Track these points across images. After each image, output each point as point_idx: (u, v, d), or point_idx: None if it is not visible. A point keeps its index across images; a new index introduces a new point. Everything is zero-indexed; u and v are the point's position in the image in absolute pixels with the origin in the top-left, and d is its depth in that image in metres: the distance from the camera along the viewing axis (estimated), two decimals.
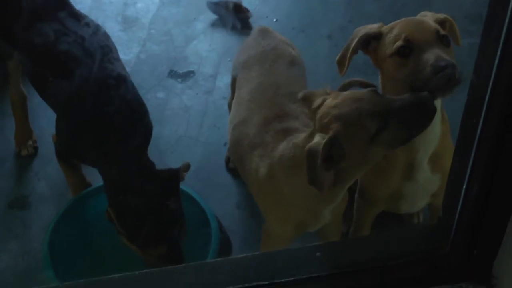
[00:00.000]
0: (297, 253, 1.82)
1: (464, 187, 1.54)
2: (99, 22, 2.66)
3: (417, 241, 1.73)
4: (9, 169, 3.03)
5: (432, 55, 1.83)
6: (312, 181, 1.83)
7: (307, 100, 1.97)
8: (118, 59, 2.52)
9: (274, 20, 3.73)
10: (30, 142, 3.06)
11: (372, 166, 1.95)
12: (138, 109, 2.44)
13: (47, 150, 2.99)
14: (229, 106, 2.67)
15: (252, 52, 2.48)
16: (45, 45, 2.43)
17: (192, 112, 3.26)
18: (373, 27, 2.02)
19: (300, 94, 2.01)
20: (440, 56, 1.82)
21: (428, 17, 1.99)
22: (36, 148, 3.07)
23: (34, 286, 2.49)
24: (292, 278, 1.62)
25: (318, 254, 1.69)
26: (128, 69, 2.54)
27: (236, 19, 3.68)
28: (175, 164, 2.42)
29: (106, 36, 2.57)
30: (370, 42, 2.00)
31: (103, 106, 2.34)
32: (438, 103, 1.91)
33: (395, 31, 1.94)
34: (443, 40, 1.91)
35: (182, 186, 2.37)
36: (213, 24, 3.75)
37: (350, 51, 2.00)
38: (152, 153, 2.44)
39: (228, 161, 2.95)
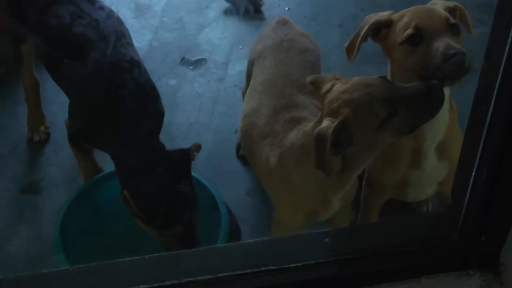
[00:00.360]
0: (306, 238, 1.82)
1: (473, 174, 1.54)
2: (112, 8, 2.67)
3: (425, 228, 1.73)
4: (22, 155, 3.04)
5: (442, 43, 1.84)
6: (319, 166, 1.84)
7: (315, 85, 1.97)
8: (131, 44, 2.53)
9: (286, 8, 3.74)
10: (42, 128, 3.07)
11: (378, 153, 1.96)
12: (151, 93, 2.45)
13: (59, 135, 3.01)
14: (243, 94, 2.68)
15: (269, 42, 2.48)
16: (60, 27, 2.44)
17: (203, 99, 3.27)
18: (383, 14, 2.02)
19: (309, 79, 2.01)
20: (450, 44, 1.82)
21: (439, 5, 1.99)
22: (48, 134, 3.09)
23: (45, 270, 2.51)
24: (300, 264, 1.62)
25: (326, 240, 1.69)
26: (140, 56, 2.55)
27: (243, 2, 3.67)
28: None
29: (119, 21, 2.58)
30: (381, 30, 2.00)
31: (116, 89, 2.35)
32: (446, 91, 1.91)
33: (405, 19, 1.94)
34: (453, 29, 1.91)
35: (192, 172, 2.38)
36: (225, 12, 3.75)
37: (360, 38, 2.00)
38: (164, 139, 2.45)
39: (238, 148, 2.96)
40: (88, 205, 2.57)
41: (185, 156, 2.32)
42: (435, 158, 2.11)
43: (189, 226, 2.30)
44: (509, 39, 1.32)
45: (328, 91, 1.90)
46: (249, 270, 1.61)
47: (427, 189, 2.27)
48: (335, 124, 1.79)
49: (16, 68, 3.01)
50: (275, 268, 1.61)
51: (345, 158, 1.90)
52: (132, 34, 2.69)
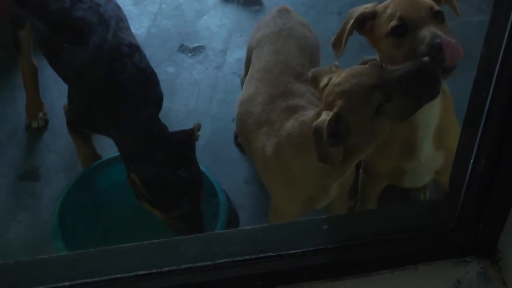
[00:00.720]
0: (305, 225, 1.83)
1: (472, 161, 1.54)
2: None
3: (423, 216, 1.74)
4: (20, 141, 3.05)
5: (427, 32, 1.82)
6: (322, 159, 1.84)
7: (315, 79, 1.97)
8: (129, 28, 2.54)
9: None
10: (40, 115, 3.07)
11: (382, 140, 1.95)
12: (151, 77, 2.47)
13: (58, 122, 3.01)
14: (242, 82, 2.67)
15: (267, 30, 2.47)
16: (61, 12, 2.44)
17: (202, 86, 3.27)
18: (367, 7, 2.00)
19: (309, 74, 2.01)
20: (435, 33, 1.81)
21: None
22: (46, 121, 3.09)
23: (43, 256, 2.52)
24: (299, 250, 1.63)
25: (325, 226, 1.70)
26: (139, 43, 2.55)
27: None
28: None
29: (117, 6, 2.58)
30: (366, 22, 1.99)
31: (117, 74, 2.36)
32: None
33: (389, 10, 1.93)
34: (437, 16, 1.89)
35: None
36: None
37: (346, 32, 1.99)
38: None
39: (236, 136, 2.96)
40: (87, 192, 2.58)
41: (189, 137, 2.33)
42: (432, 148, 2.10)
43: (196, 207, 2.31)
44: (509, 26, 1.32)
45: (326, 85, 1.90)
46: (247, 257, 1.62)
47: (423, 177, 2.27)
48: (330, 117, 1.79)
49: (14, 54, 3.01)
50: (274, 254, 1.62)
51: (346, 148, 1.90)
52: (130, 21, 2.69)
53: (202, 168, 2.48)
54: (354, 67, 1.90)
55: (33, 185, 2.86)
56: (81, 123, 2.60)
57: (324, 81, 1.92)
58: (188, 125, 2.96)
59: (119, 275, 1.60)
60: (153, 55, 3.30)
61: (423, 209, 1.86)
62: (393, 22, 1.89)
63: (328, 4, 3.64)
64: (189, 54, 3.43)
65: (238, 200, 2.72)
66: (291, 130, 2.07)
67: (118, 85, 2.36)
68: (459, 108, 2.18)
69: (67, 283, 1.58)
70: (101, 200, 2.61)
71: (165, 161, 2.29)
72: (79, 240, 2.40)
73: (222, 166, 2.88)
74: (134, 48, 2.43)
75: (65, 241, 2.32)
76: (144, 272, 1.59)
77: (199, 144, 2.41)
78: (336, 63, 1.99)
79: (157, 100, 2.47)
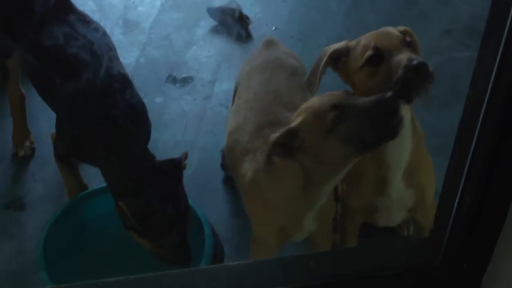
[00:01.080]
0: (290, 261, 1.83)
1: (457, 200, 1.56)
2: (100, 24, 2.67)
3: (409, 254, 1.75)
4: (6, 170, 3.03)
5: (403, 56, 1.84)
6: (265, 163, 1.96)
7: None
8: (118, 58, 2.57)
9: (273, 28, 3.75)
10: (27, 143, 3.07)
11: (338, 172, 1.96)
12: (141, 112, 2.49)
13: (44, 151, 3.00)
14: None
15: (255, 63, 2.50)
16: (55, 48, 2.45)
17: (189, 117, 3.27)
18: (339, 44, 2.02)
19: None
20: (411, 56, 1.83)
21: (391, 28, 2.01)
22: (33, 149, 3.08)
23: (27, 287, 2.50)
24: (285, 287, 1.63)
25: (311, 264, 1.70)
26: (127, 73, 2.56)
27: (236, 26, 3.70)
28: None
29: (107, 36, 2.60)
30: (340, 59, 2.00)
31: (108, 110, 2.37)
32: (407, 115, 1.90)
33: (362, 43, 1.95)
34: (410, 46, 1.92)
35: None
36: (213, 30, 3.76)
37: (320, 69, 2.00)
38: None
39: (223, 165, 2.97)
40: (73, 222, 2.56)
41: (177, 166, 2.34)
42: (403, 186, 2.10)
43: (183, 235, 2.31)
44: (495, 68, 1.34)
45: None
46: None
47: (395, 216, 2.26)
48: (284, 129, 1.90)
49: (2, 82, 3.01)
50: None
51: (306, 172, 1.95)
52: (119, 50, 2.69)
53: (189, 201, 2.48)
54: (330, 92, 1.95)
55: (18, 214, 2.84)
56: (68, 152, 2.60)
57: None
58: (175, 156, 2.98)
59: None
60: (142, 85, 3.30)
61: (408, 247, 1.87)
62: (368, 52, 1.90)
63: (316, 37, 3.67)
64: (177, 85, 3.44)
65: (224, 232, 2.71)
66: None
67: (109, 120, 2.37)
68: (445, 143, 2.20)
69: None
70: (87, 231, 2.60)
71: (153, 189, 2.29)
72: (64, 271, 2.38)
73: (208, 197, 2.88)
74: (126, 84, 2.45)
75: (49, 272, 2.31)
76: None
77: (186, 175, 2.41)
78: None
79: (146, 133, 2.49)
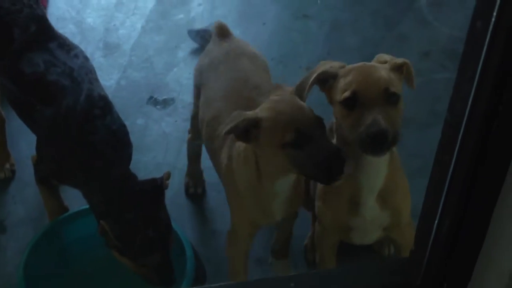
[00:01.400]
0: (272, 283, 1.84)
1: (436, 222, 1.57)
2: (81, 47, 2.68)
3: (389, 274, 1.76)
4: None
5: (370, 117, 1.84)
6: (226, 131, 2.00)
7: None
8: (98, 80, 2.57)
9: None
10: (7, 166, 3.06)
11: (283, 173, 2.06)
12: (122, 138, 2.49)
13: (25, 173, 2.99)
14: (193, 118, 2.76)
15: (215, 54, 2.56)
16: (35, 75, 2.45)
17: (170, 139, 3.28)
18: (334, 66, 2.02)
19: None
20: (376, 121, 1.83)
21: (383, 67, 1.97)
22: (13, 172, 3.07)
23: None
24: None
25: (292, 285, 1.71)
26: (108, 95, 2.56)
27: None
28: None
29: (88, 61, 2.60)
30: (328, 81, 2.01)
31: (89, 136, 2.38)
32: None
33: (348, 78, 1.94)
34: (390, 99, 1.90)
35: None
36: (194, 52, 3.77)
37: (308, 85, 2.02)
38: None
39: (187, 187, 3.02)
40: (54, 245, 2.55)
41: (159, 185, 2.34)
42: (377, 207, 2.11)
43: (166, 254, 2.32)
44: (472, 92, 1.36)
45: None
46: None
47: (370, 235, 2.27)
48: (252, 115, 1.97)
49: None
50: None
51: (259, 163, 2.06)
52: (100, 72, 2.70)
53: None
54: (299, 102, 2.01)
55: None
56: (49, 175, 2.60)
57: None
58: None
59: None
60: (123, 107, 3.30)
61: (389, 267, 1.88)
62: (346, 93, 1.91)
63: (297, 59, 3.69)
64: (159, 107, 3.45)
65: (205, 253, 2.72)
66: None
67: (89, 145, 2.37)
68: (424, 164, 2.22)
69: None
70: (68, 253, 2.59)
71: (135, 208, 2.30)
72: None
73: (189, 218, 2.89)
74: (106, 107, 2.45)
75: None
76: None
77: (167, 196, 2.41)
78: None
79: (127, 155, 2.49)
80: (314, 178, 2.05)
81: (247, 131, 1.97)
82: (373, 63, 2.04)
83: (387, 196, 2.10)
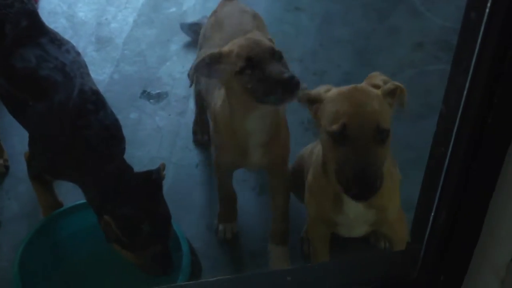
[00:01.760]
0: (268, 276, 1.84)
1: (432, 214, 1.57)
2: (73, 42, 2.67)
3: (386, 267, 1.76)
4: None
5: (360, 159, 1.81)
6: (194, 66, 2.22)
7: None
8: (89, 74, 2.57)
9: None
10: (1, 161, 3.04)
11: (246, 109, 2.21)
12: (116, 132, 2.49)
13: (18, 169, 2.98)
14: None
15: (220, 13, 2.79)
16: (26, 70, 2.44)
17: (164, 133, 3.27)
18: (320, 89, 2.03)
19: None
20: (365, 165, 1.81)
21: (375, 95, 1.90)
22: (7, 167, 3.06)
23: None
24: None
25: (288, 278, 1.71)
26: (101, 89, 2.55)
27: None
28: None
29: (80, 56, 2.60)
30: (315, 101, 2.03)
31: (82, 131, 2.38)
32: None
33: (337, 105, 1.88)
34: (381, 136, 1.84)
35: None
36: (187, 46, 3.77)
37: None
38: None
39: (195, 134, 3.17)
40: (48, 240, 2.55)
41: (156, 175, 2.36)
42: (361, 207, 2.07)
43: (167, 245, 2.33)
44: (467, 85, 1.36)
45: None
46: None
47: (357, 230, 2.26)
48: (216, 51, 2.18)
49: None
50: None
51: (227, 99, 2.26)
52: (92, 66, 2.70)
53: None
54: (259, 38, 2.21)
55: None
56: (43, 171, 2.59)
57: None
58: None
59: None
60: (116, 101, 3.30)
61: (385, 260, 1.88)
62: (334, 127, 1.84)
63: (290, 52, 3.64)
64: (152, 100, 3.45)
65: (201, 248, 2.71)
66: None
67: (82, 140, 2.37)
68: (418, 156, 2.22)
69: None
70: (63, 249, 2.58)
71: (135, 200, 2.31)
72: None
73: (184, 213, 2.87)
74: (99, 102, 2.45)
75: None
76: None
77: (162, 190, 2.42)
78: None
79: (120, 149, 2.49)
80: (268, 101, 2.12)
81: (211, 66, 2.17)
82: (364, 86, 1.96)
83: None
